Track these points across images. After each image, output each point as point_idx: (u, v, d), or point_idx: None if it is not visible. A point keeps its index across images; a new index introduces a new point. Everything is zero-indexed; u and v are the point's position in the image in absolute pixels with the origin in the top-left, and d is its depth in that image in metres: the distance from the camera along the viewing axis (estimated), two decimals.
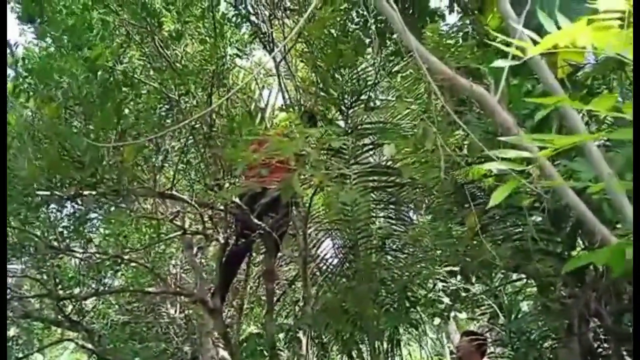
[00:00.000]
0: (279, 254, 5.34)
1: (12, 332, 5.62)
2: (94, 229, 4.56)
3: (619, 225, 2.14)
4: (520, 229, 3.01)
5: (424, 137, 2.96)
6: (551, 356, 4.25)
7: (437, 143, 2.65)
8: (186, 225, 4.59)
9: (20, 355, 5.58)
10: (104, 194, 3.24)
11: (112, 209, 3.80)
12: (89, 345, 4.88)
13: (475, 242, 4.01)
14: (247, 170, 3.35)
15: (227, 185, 3.34)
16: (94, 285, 4.60)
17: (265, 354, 4.34)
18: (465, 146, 3.14)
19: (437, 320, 4.48)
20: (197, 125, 3.58)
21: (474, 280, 4.87)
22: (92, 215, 4.40)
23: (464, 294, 4.40)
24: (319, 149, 3.15)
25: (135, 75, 3.34)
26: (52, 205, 3.78)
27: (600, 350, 2.92)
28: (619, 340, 2.63)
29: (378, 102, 4.57)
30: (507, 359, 4.79)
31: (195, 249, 4.84)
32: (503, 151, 1.43)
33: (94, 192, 3.28)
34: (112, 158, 2.89)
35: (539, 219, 2.89)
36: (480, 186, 3.26)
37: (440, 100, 2.70)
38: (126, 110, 3.06)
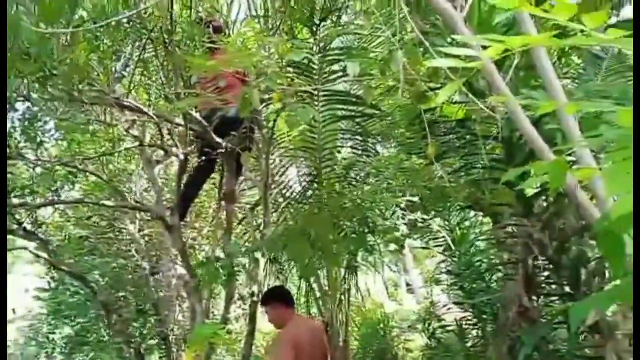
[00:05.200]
0: (242, 178, 5.32)
1: None
2: (47, 137, 4.42)
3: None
4: (476, 159, 3.03)
5: (389, 59, 2.89)
6: (496, 288, 4.45)
7: (400, 65, 2.59)
8: (146, 141, 4.49)
9: None
10: (55, 98, 3.10)
11: (66, 114, 3.65)
12: (45, 255, 4.85)
13: (434, 173, 4.06)
14: (205, 81, 3.25)
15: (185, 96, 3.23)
16: (49, 195, 4.51)
17: (222, 272, 4.39)
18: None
19: (392, 246, 4.59)
20: (156, 34, 3.41)
21: (432, 213, 4.99)
22: (47, 123, 4.25)
23: (420, 225, 4.50)
24: (283, 65, 3.06)
25: None
26: None
27: (541, 279, 3.04)
28: (558, 269, 2.73)
29: (350, 27, 4.43)
30: (457, 288, 5.00)
31: (155, 166, 4.76)
32: (449, 48, 1.39)
33: (45, 96, 3.14)
34: (63, 54, 2.73)
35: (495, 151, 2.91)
36: (442, 116, 3.24)
37: (409, 20, 2.61)
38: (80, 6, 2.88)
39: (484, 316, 4.48)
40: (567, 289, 2.89)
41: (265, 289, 5.04)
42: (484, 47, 1.34)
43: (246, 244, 5.97)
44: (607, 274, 2.53)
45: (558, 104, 1.59)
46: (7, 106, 3.64)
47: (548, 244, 2.62)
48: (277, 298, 3.76)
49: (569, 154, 1.89)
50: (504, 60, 2.40)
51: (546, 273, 2.97)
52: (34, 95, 3.01)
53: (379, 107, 4.74)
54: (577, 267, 2.54)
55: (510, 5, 1.17)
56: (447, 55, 1.27)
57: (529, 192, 2.53)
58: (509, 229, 3.26)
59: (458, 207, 4.69)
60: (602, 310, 2.20)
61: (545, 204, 2.72)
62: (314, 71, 4.13)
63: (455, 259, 4.84)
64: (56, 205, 5.34)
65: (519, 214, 2.78)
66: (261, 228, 5.28)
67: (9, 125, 3.77)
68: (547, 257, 2.76)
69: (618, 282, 1.35)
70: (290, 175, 5.82)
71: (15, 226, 4.63)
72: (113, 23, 3.25)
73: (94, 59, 3.06)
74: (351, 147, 5.78)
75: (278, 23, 3.71)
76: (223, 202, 4.64)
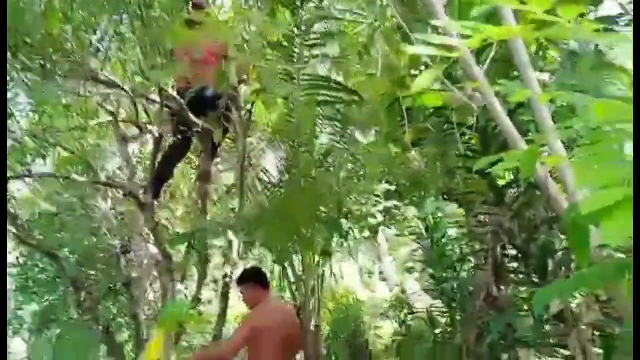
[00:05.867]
0: (219, 159, 5.27)
1: None
2: (20, 111, 4.29)
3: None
4: (452, 147, 3.06)
5: (369, 43, 2.89)
6: (466, 277, 4.52)
7: (380, 51, 2.58)
8: (120, 117, 4.40)
9: None
10: (28, 68, 3.01)
11: (37, 85, 3.54)
12: (14, 230, 4.75)
13: (410, 161, 4.08)
14: (181, 52, 3.19)
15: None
16: (19, 169, 4.40)
17: (193, 250, 4.37)
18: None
19: (366, 233, 4.62)
20: (134, 9, 3.32)
21: (407, 202, 5.02)
22: (19, 95, 4.13)
23: (395, 212, 4.53)
24: (264, 45, 3.02)
25: None
26: None
27: (510, 268, 3.10)
28: (527, 259, 2.79)
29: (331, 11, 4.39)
30: (429, 276, 5.06)
31: (129, 143, 4.68)
32: (429, 35, 1.39)
33: (16, 65, 3.04)
34: (36, 23, 2.65)
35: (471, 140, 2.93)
36: (419, 105, 3.24)
37: (390, 6, 2.60)
38: None
39: (454, 304, 4.55)
40: (535, 278, 2.96)
41: (239, 271, 5.04)
42: (463, 37, 1.35)
43: (220, 225, 5.94)
44: (572, 265, 2.59)
45: (532, 92, 1.61)
46: None
47: (517, 233, 2.67)
48: (253, 278, 3.78)
49: (542, 146, 1.91)
50: (481, 52, 2.41)
51: (515, 263, 3.03)
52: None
53: (358, 94, 4.73)
54: (545, 256, 2.59)
55: None
56: (427, 42, 1.27)
57: (501, 182, 2.57)
58: (481, 218, 3.31)
59: (432, 196, 4.73)
60: (566, 299, 2.25)
61: (516, 194, 2.77)
62: (294, 54, 4.09)
63: (427, 247, 4.90)
64: (26, 180, 5.22)
65: (490, 203, 2.82)
66: (236, 210, 5.25)
67: None
68: (515, 246, 2.82)
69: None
70: (268, 158, 5.80)
71: None
72: None
73: (69, 31, 2.97)
74: (329, 133, 5.78)
75: (258, 3, 3.66)
76: (198, 182, 4.59)
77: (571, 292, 1.85)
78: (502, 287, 3.16)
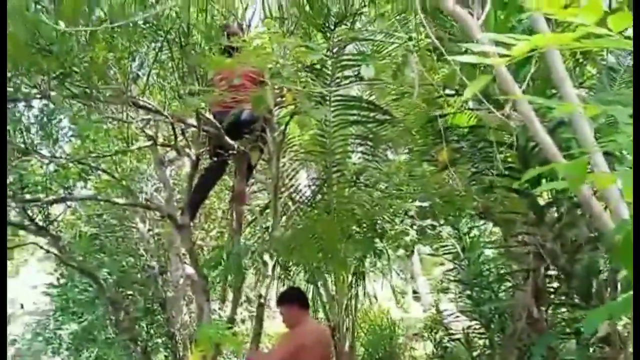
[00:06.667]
0: (252, 180, 5.34)
1: None
2: (63, 135, 4.47)
3: None
4: (489, 166, 3.03)
5: (404, 64, 2.91)
6: (504, 297, 4.42)
7: (415, 70, 2.60)
8: (159, 141, 4.52)
9: None
10: (73, 95, 3.13)
11: (82, 113, 3.69)
12: (55, 251, 4.89)
13: (445, 180, 4.06)
14: (219, 79, 3.27)
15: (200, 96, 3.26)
16: (61, 192, 4.56)
17: (230, 270, 4.41)
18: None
19: (400, 251, 4.58)
20: (174, 36, 3.44)
21: (442, 221, 4.97)
22: (63, 121, 4.31)
23: (430, 231, 4.49)
24: (298, 67, 3.08)
25: None
26: (20, 105, 3.67)
27: (550, 289, 3.02)
28: (570, 280, 2.72)
29: (364, 33, 4.44)
30: (465, 297, 4.97)
31: (166, 166, 4.79)
32: (465, 56, 1.39)
33: (63, 92, 3.17)
34: (82, 52, 2.77)
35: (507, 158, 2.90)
36: (453, 124, 3.24)
37: (425, 26, 2.62)
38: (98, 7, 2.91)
39: (492, 326, 4.45)
40: (577, 299, 2.88)
41: (273, 291, 5.06)
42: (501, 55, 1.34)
43: (255, 246, 5.99)
44: (619, 286, 2.51)
45: (575, 107, 1.59)
46: (24, 103, 3.70)
47: (560, 253, 2.61)
48: (293, 299, 3.79)
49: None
50: (519, 70, 2.40)
51: (556, 284, 2.95)
52: (53, 93, 3.05)
53: (390, 113, 4.74)
54: (589, 277, 2.52)
55: (538, 5, 1.16)
56: (471, 52, 1.27)
57: (542, 201, 2.52)
58: (520, 238, 3.25)
59: (468, 215, 4.67)
60: (615, 320, 2.18)
61: (557, 214, 2.71)
62: (327, 75, 4.15)
63: (463, 267, 4.82)
64: (68, 203, 5.39)
65: (531, 223, 2.77)
66: (270, 231, 5.29)
67: (25, 121, 3.82)
68: (558, 267, 2.75)
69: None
70: (300, 179, 5.84)
71: (27, 222, 4.68)
72: (130, 24, 3.29)
73: (111, 59, 3.09)
74: (362, 152, 5.79)
75: (292, 27, 3.74)
76: (233, 203, 4.65)
77: (622, 314, 1.79)
78: (543, 309, 3.08)
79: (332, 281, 5.80)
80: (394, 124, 4.84)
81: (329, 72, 4.12)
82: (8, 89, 3.16)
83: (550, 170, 1.64)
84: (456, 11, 1.91)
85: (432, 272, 9.93)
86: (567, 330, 3.04)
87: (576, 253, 2.62)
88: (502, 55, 1.17)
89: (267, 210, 5.84)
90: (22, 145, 3.84)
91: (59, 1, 2.76)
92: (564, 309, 3.26)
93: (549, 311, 3.16)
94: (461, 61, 1.28)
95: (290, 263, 5.89)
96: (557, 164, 1.29)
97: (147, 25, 3.39)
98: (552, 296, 3.15)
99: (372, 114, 4.96)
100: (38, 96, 3.27)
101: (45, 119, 3.83)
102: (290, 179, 5.60)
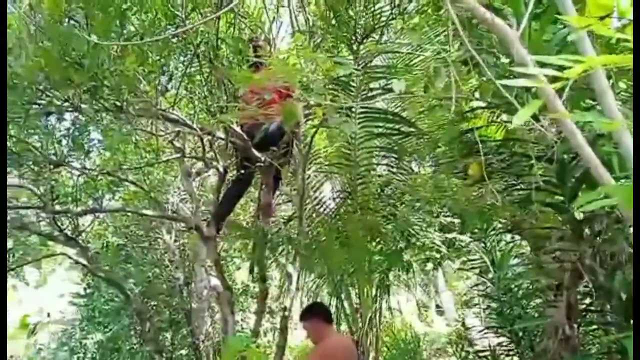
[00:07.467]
0: (278, 192, 5.34)
1: (9, 244, 5.72)
2: (93, 147, 4.54)
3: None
4: (523, 180, 2.97)
5: (435, 76, 2.87)
6: (535, 314, 4.31)
7: (450, 78, 2.56)
8: (187, 154, 4.56)
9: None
10: (104, 108, 3.18)
11: (112, 125, 3.75)
12: (83, 261, 4.95)
13: (474, 195, 3.99)
14: (250, 95, 3.28)
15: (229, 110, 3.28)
16: (90, 203, 4.62)
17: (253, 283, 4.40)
18: (478, 92, 3.05)
19: (429, 265, 4.52)
20: (203, 50, 3.48)
21: (469, 235, 4.89)
22: (93, 134, 4.38)
23: (459, 245, 4.41)
24: (325, 80, 3.07)
25: None
26: (52, 117, 3.74)
27: (583, 306, 2.94)
28: (608, 297, 2.63)
29: (392, 45, 4.43)
30: (494, 312, 4.86)
31: (193, 178, 4.83)
32: (513, 81, 1.36)
33: (94, 105, 3.22)
34: (113, 65, 2.82)
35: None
36: (482, 136, 3.19)
37: (460, 36, 2.59)
38: (129, 22, 2.96)
39: (522, 343, 4.34)
40: (609, 317, 2.79)
41: (297, 303, 5.03)
42: (540, 65, 1.31)
43: (280, 258, 5.98)
44: None
45: (620, 124, 1.54)
46: (56, 115, 3.77)
47: (599, 271, 2.53)
48: (317, 314, 3.76)
49: (626, 178, 1.82)
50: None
51: (588, 300, 2.86)
52: (84, 106, 3.10)
53: (416, 126, 4.71)
54: (629, 295, 2.43)
55: (583, 23, 1.13)
56: (506, 75, 1.24)
57: (580, 216, 2.46)
58: (556, 254, 3.16)
59: (497, 230, 4.59)
60: None
61: (595, 229, 2.63)
62: (353, 88, 4.14)
63: (492, 282, 4.72)
64: (96, 214, 5.46)
65: (567, 239, 2.70)
66: (295, 243, 5.27)
67: (56, 134, 3.90)
68: (596, 284, 2.66)
69: None
70: (325, 191, 5.82)
71: (57, 233, 4.75)
72: (161, 39, 3.33)
73: (141, 72, 3.13)
74: (386, 164, 5.75)
75: (319, 41, 3.75)
76: (260, 215, 4.66)
77: None
78: (575, 326, 2.99)
79: (356, 294, 5.75)
80: (419, 137, 4.80)
81: (355, 85, 4.12)
82: (41, 101, 3.22)
83: (590, 184, 1.59)
84: (495, 23, 1.88)
85: (456, 286, 9.78)
86: (603, 350, 2.95)
87: (616, 270, 2.54)
88: (553, 77, 1.14)
89: (291, 222, 5.84)
90: (54, 157, 3.90)
91: (92, 16, 2.81)
92: (594, 327, 3.16)
93: (581, 329, 3.07)
94: (501, 78, 1.25)
95: (314, 275, 5.87)
96: (608, 187, 1.25)
97: (177, 38, 3.43)
98: (585, 314, 3.06)
99: (397, 126, 4.94)
100: (70, 109, 3.33)
101: (76, 132, 3.90)
102: (315, 191, 5.59)
